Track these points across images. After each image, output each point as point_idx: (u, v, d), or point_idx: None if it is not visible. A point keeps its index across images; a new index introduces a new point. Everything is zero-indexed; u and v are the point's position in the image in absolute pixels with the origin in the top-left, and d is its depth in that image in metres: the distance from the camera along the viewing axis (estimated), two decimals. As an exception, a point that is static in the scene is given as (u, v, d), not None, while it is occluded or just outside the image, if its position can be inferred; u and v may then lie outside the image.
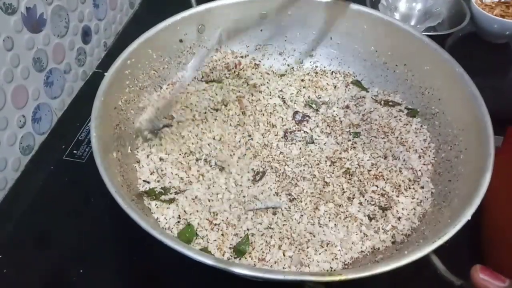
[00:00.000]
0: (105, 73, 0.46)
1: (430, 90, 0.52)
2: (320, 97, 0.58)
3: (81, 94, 0.65)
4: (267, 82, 0.59)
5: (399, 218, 0.45)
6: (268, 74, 0.60)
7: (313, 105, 0.57)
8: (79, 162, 0.55)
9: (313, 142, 0.53)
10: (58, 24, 0.59)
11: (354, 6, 0.56)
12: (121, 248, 0.48)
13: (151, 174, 0.48)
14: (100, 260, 0.46)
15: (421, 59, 0.52)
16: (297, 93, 0.58)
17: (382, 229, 0.44)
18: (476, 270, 0.32)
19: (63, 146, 0.57)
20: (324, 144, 0.53)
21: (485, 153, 0.41)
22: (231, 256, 0.42)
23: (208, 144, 0.51)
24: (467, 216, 0.37)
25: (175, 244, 0.32)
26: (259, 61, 0.61)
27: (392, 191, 0.47)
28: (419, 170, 0.49)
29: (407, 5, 0.78)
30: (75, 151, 0.57)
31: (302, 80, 0.60)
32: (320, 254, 0.42)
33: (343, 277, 0.31)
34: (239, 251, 0.42)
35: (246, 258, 0.41)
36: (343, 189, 0.48)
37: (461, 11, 0.73)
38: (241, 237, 0.43)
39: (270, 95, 0.57)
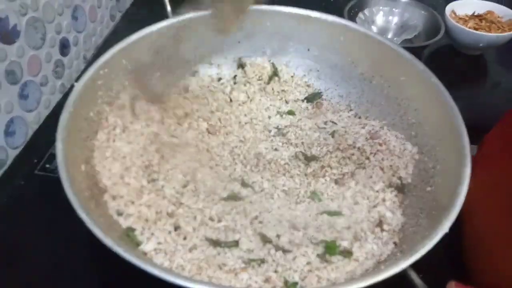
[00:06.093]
0: (75, 83, 0.45)
1: (407, 101, 0.52)
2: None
3: (59, 107, 0.62)
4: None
5: None
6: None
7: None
8: (51, 177, 0.53)
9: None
10: (34, 36, 0.57)
11: (331, 18, 0.57)
12: (95, 267, 0.46)
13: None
14: (72, 280, 0.44)
15: (397, 70, 0.53)
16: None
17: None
18: (451, 287, 0.32)
19: (35, 160, 0.55)
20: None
21: (462, 163, 0.41)
22: None
23: None
24: (445, 228, 0.36)
25: (146, 265, 0.31)
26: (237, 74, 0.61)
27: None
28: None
29: (384, 19, 0.80)
30: (47, 165, 0.55)
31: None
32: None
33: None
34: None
35: None
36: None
37: (436, 24, 0.74)
38: None
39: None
